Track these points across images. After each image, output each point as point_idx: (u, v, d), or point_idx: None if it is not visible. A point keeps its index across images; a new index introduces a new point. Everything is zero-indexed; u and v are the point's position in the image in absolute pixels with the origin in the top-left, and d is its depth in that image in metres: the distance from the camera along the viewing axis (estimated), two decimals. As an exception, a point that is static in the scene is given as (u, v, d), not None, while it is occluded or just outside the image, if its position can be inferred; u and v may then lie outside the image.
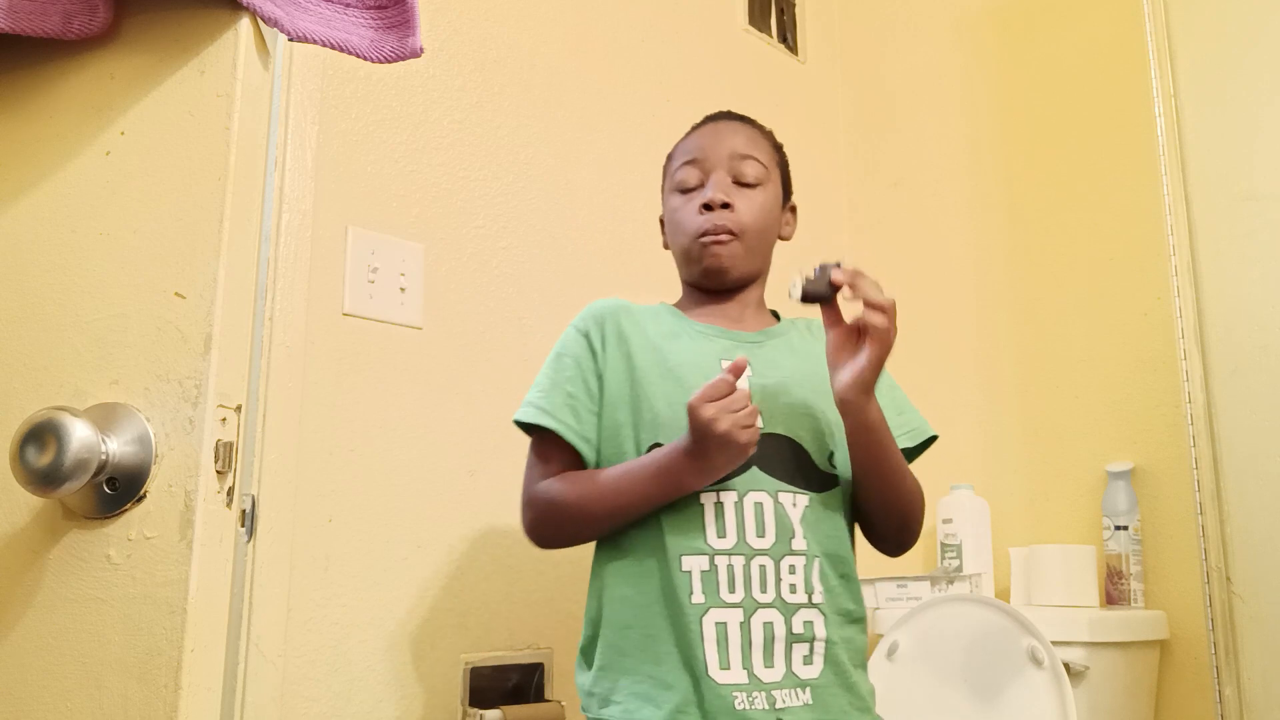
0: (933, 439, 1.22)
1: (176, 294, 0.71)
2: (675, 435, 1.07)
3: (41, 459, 0.65)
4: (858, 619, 1.13)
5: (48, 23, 0.75)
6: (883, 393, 1.12)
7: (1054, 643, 1.51)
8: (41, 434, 0.66)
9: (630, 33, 1.89)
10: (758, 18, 2.18)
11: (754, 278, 1.23)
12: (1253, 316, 1.69)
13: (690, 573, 1.06)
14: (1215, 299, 1.73)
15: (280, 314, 1.29)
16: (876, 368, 1.04)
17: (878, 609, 1.81)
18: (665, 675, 1.05)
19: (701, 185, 1.20)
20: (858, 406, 1.06)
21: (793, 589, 1.07)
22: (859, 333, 1.04)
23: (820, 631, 1.07)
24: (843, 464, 1.14)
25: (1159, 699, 1.70)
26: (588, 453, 1.14)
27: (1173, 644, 1.70)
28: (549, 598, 1.55)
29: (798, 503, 1.09)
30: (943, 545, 1.86)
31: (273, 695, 1.21)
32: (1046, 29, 2.03)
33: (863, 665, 1.13)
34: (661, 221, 1.27)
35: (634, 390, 1.14)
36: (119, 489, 0.69)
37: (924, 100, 2.21)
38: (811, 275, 1.04)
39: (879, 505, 1.15)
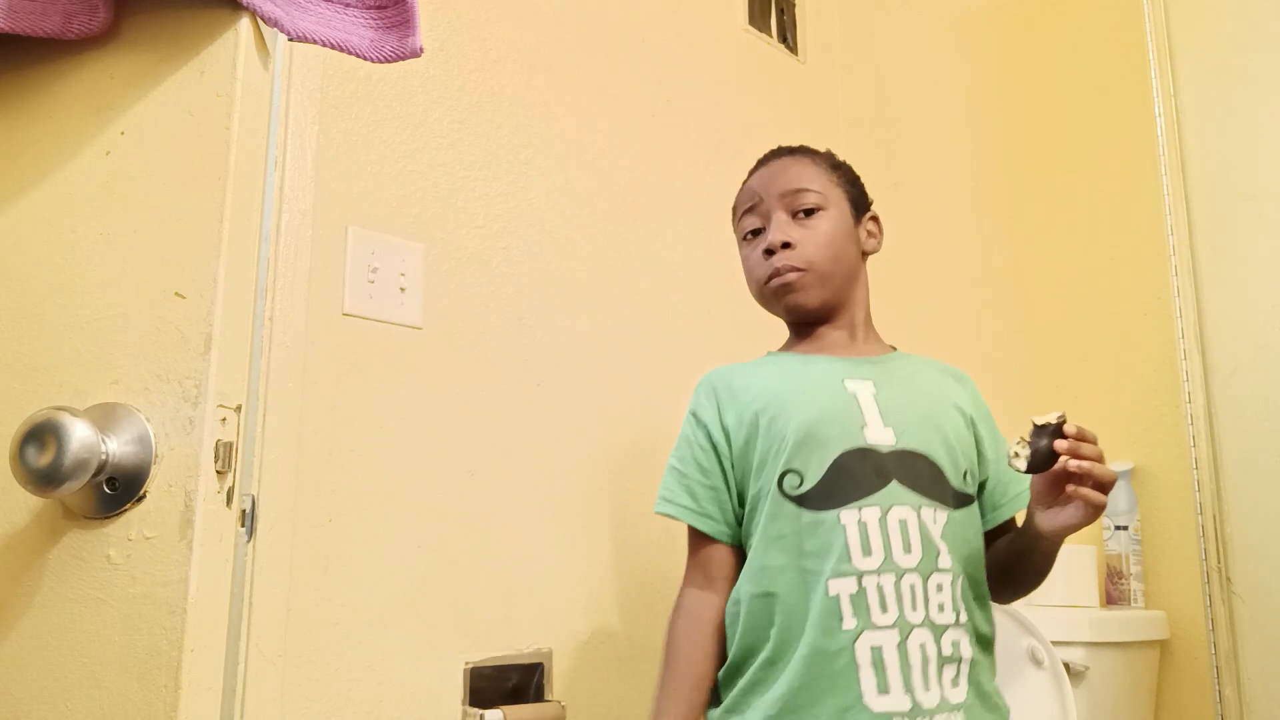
0: None
1: (176, 294, 0.71)
2: (817, 459, 1.07)
3: (41, 459, 0.65)
4: (990, 640, 1.13)
5: (48, 23, 0.75)
6: (997, 439, 1.17)
7: (1054, 643, 1.51)
8: (41, 434, 0.66)
9: (630, 33, 1.89)
10: (758, 18, 2.18)
11: (844, 301, 1.22)
12: (1253, 316, 1.69)
13: (838, 596, 1.02)
14: (1215, 299, 1.73)
15: (280, 314, 1.28)
16: (1080, 529, 1.01)
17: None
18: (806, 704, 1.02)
19: (763, 229, 1.21)
20: (1049, 542, 1.06)
21: (940, 608, 1.04)
22: (1068, 482, 1.00)
23: (966, 652, 1.06)
24: (975, 486, 1.14)
25: (1159, 699, 1.70)
26: (710, 527, 1.14)
27: (1173, 644, 1.70)
28: (549, 598, 1.55)
29: (938, 519, 1.07)
30: (943, 545, 1.86)
31: (273, 695, 1.21)
32: (1046, 29, 2.03)
33: (995, 680, 1.13)
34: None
35: (759, 429, 1.12)
36: (119, 489, 0.69)
37: (924, 100, 2.21)
38: (1031, 440, 0.99)
39: (1012, 580, 1.16)
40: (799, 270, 1.18)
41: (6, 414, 0.72)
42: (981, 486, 1.17)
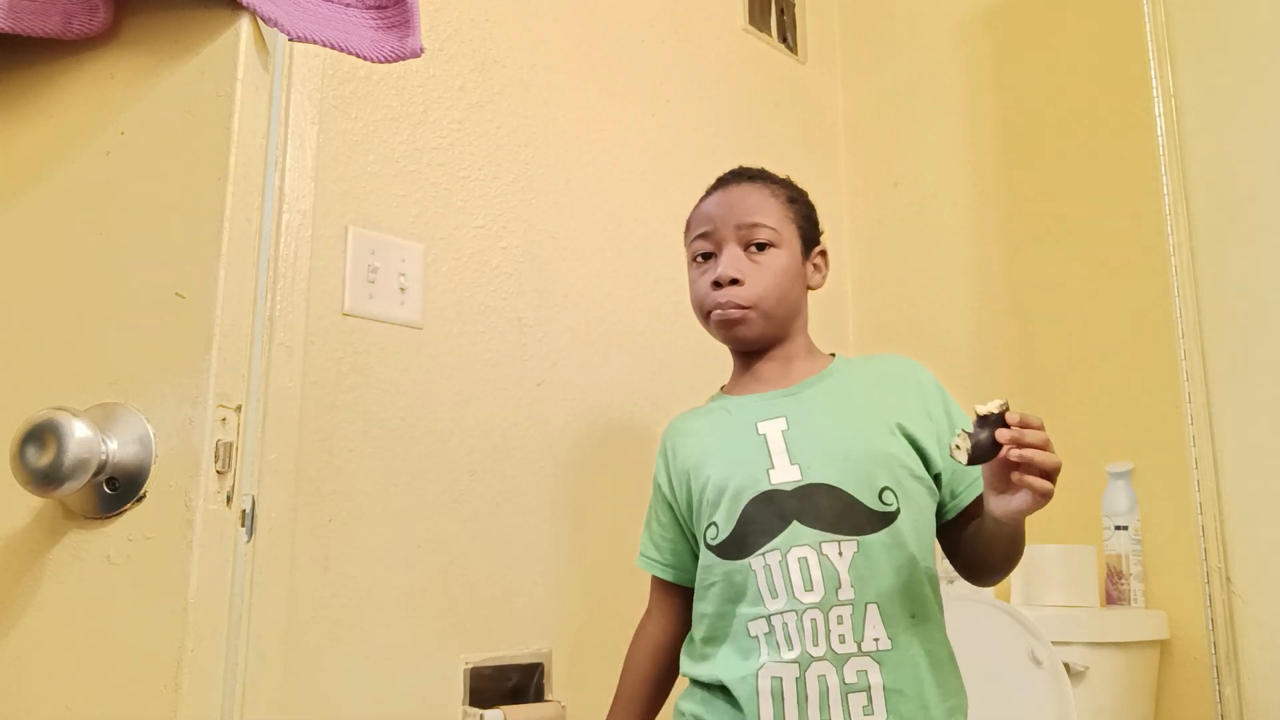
0: None
1: (176, 294, 0.71)
2: (727, 511, 1.13)
3: (41, 459, 0.65)
4: (938, 658, 1.11)
5: (48, 23, 0.75)
6: (954, 427, 1.17)
7: (1054, 643, 1.51)
8: (41, 434, 0.66)
9: (630, 33, 1.89)
10: (758, 18, 2.18)
11: (782, 336, 1.24)
12: (1253, 316, 1.69)
13: (757, 637, 1.09)
14: (1215, 299, 1.73)
15: (280, 314, 1.29)
16: (1028, 512, 1.02)
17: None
18: None
19: (714, 255, 1.22)
20: (1006, 525, 1.06)
21: (842, 639, 1.06)
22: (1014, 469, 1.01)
23: (876, 679, 1.06)
24: (909, 495, 1.13)
25: (1159, 699, 1.70)
26: (668, 575, 1.27)
27: (1173, 644, 1.70)
28: (549, 598, 1.55)
29: (844, 550, 1.08)
30: (943, 545, 1.86)
31: (273, 695, 1.21)
32: (1046, 29, 2.03)
33: (948, 702, 1.10)
34: None
35: (691, 489, 1.20)
36: (119, 489, 0.69)
37: (924, 100, 2.21)
38: (973, 432, 0.99)
39: (984, 565, 1.17)
40: (743, 308, 1.19)
41: (6, 414, 0.72)
42: (939, 479, 1.17)
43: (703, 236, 1.23)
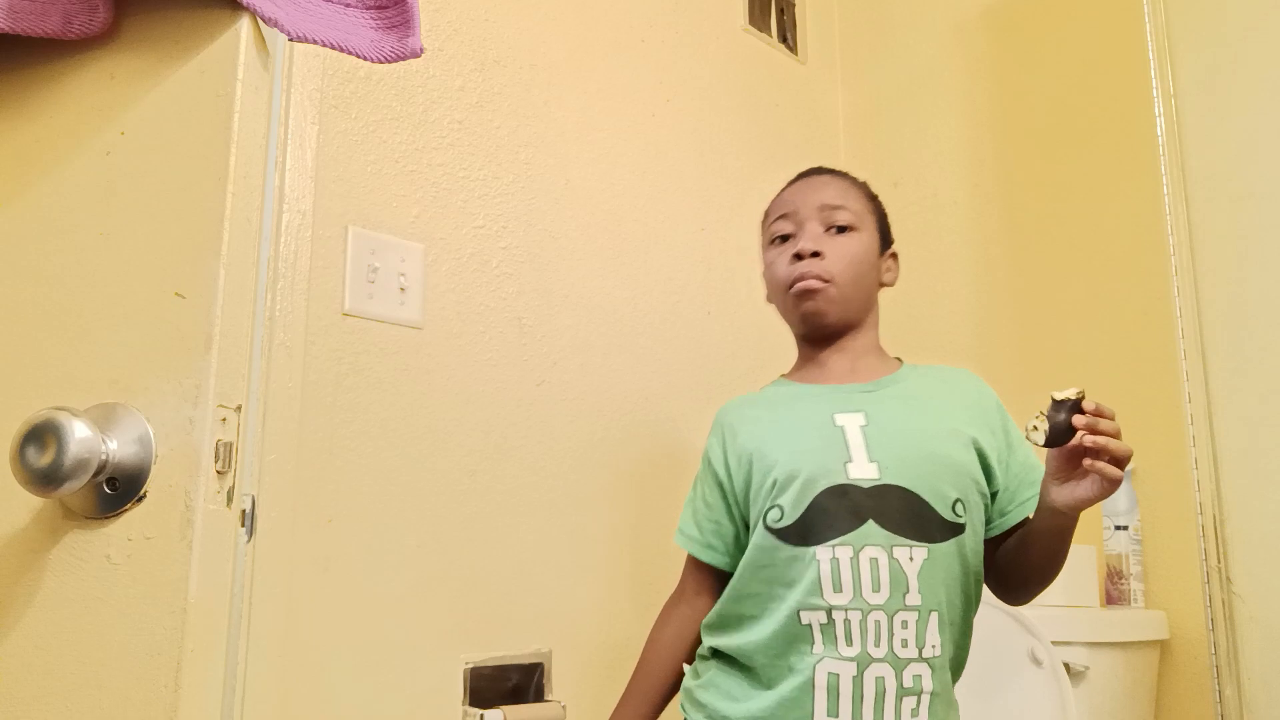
0: None
1: (176, 294, 0.71)
2: (795, 497, 1.12)
3: (41, 459, 0.65)
4: (959, 665, 1.15)
5: (48, 23, 0.75)
6: (1013, 442, 1.19)
7: (1054, 643, 1.51)
8: (41, 434, 0.66)
9: (630, 33, 1.89)
10: (758, 18, 2.18)
11: (855, 324, 1.25)
12: (1253, 316, 1.69)
13: (810, 625, 1.09)
14: (1215, 299, 1.73)
15: (280, 314, 1.29)
16: (1095, 501, 1.03)
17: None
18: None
19: (793, 235, 1.24)
20: (1063, 517, 1.07)
21: (904, 644, 1.07)
22: (1084, 457, 1.02)
23: (928, 685, 1.08)
24: (974, 509, 1.14)
25: (1159, 699, 1.70)
26: (710, 557, 1.24)
27: (1173, 644, 1.70)
28: (549, 598, 1.55)
29: (915, 556, 1.09)
30: (943, 545, 1.86)
31: (273, 695, 1.21)
32: (1046, 29, 2.03)
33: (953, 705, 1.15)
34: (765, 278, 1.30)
35: (753, 471, 1.18)
36: (119, 489, 0.69)
37: (924, 101, 2.21)
38: (1049, 415, 1.01)
39: (1025, 572, 1.17)
40: (823, 281, 1.20)
41: (6, 414, 0.72)
42: (994, 496, 1.17)
43: (784, 218, 1.25)
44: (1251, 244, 1.71)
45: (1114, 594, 1.72)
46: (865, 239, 1.24)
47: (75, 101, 0.76)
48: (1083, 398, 1.00)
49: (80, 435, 0.66)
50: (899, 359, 1.29)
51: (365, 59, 0.79)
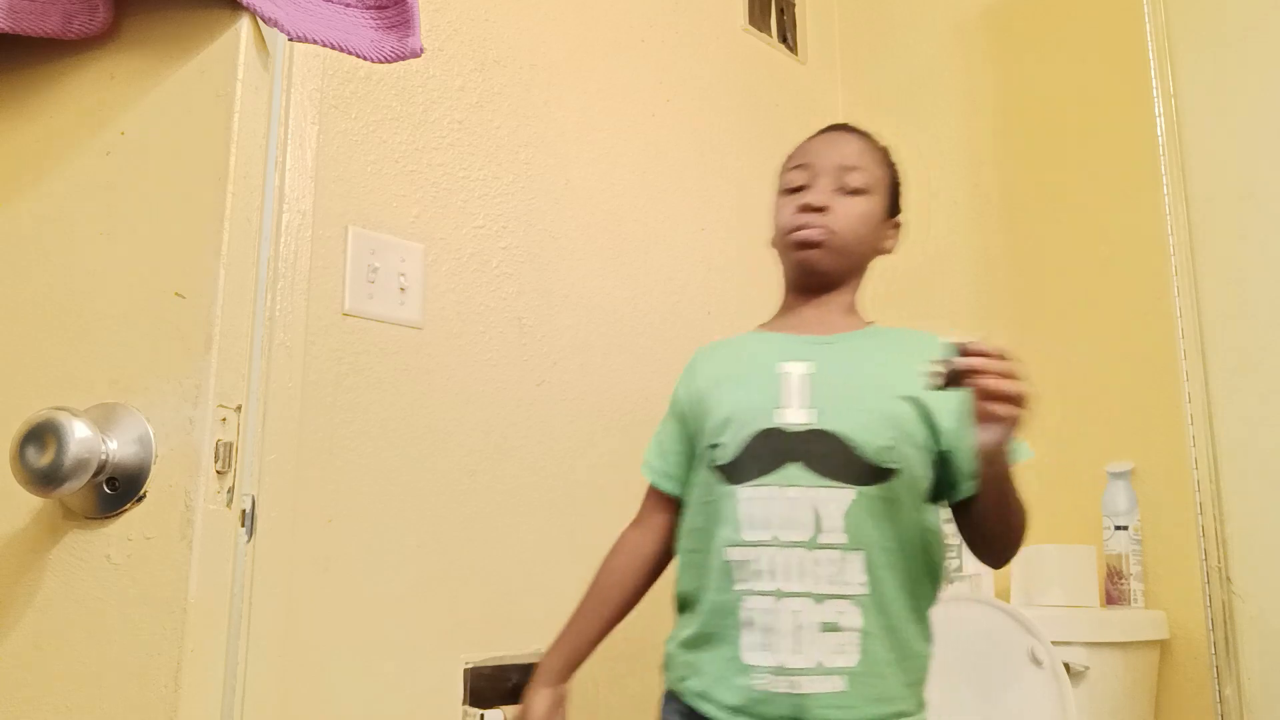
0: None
1: (176, 294, 0.71)
2: (732, 437, 1.16)
3: (41, 459, 0.65)
4: (916, 614, 1.15)
5: (48, 23, 0.75)
6: (943, 407, 1.17)
7: (1054, 643, 1.51)
8: (41, 434, 0.66)
9: (630, 33, 1.89)
10: (758, 18, 2.18)
11: (842, 282, 1.28)
12: (1253, 316, 1.69)
13: (732, 561, 1.13)
14: (1215, 299, 1.73)
15: (280, 314, 1.28)
16: (999, 443, 1.04)
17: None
18: (716, 652, 1.14)
19: (805, 187, 1.26)
20: (988, 465, 1.09)
21: (825, 580, 1.10)
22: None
23: (855, 621, 1.09)
24: (911, 460, 1.15)
25: (1159, 699, 1.70)
26: (668, 486, 1.28)
27: (1173, 644, 1.70)
28: (549, 598, 1.55)
29: (840, 497, 1.12)
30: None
31: (273, 695, 1.21)
32: (1046, 29, 2.03)
33: (913, 659, 1.15)
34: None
35: (702, 408, 1.23)
36: (119, 489, 0.69)
37: (924, 101, 2.21)
38: (944, 361, 1.02)
39: (986, 534, 1.19)
40: (826, 234, 1.23)
41: (6, 414, 0.72)
42: (948, 456, 1.19)
43: (800, 168, 1.27)
44: (1251, 244, 1.71)
45: (1114, 594, 1.72)
46: (873, 203, 1.26)
47: (75, 101, 0.76)
48: (976, 342, 1.02)
49: (80, 435, 0.66)
50: (872, 321, 1.31)
51: (365, 59, 0.79)
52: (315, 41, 0.77)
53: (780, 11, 2.25)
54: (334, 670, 1.29)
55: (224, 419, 0.70)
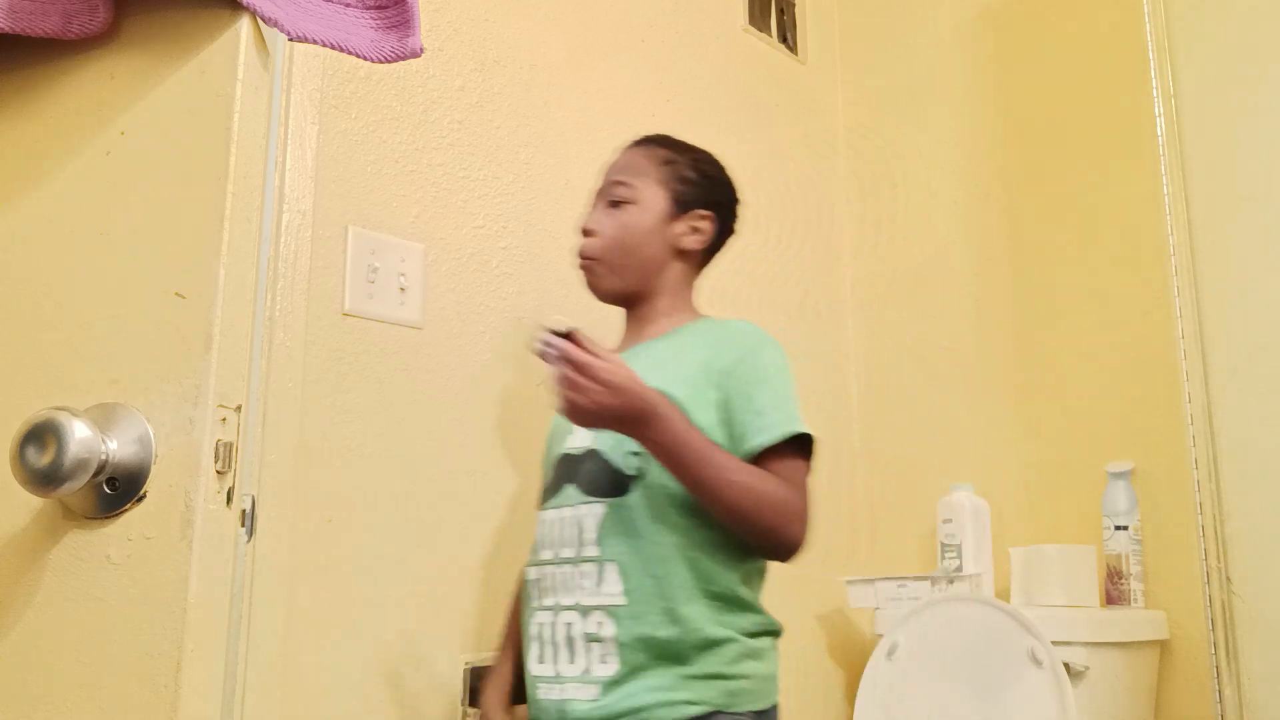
0: (803, 437, 1.17)
1: (176, 294, 0.71)
2: (547, 462, 1.28)
3: (41, 459, 0.65)
4: (679, 619, 1.11)
5: (48, 23, 0.75)
6: (743, 388, 1.17)
7: (1054, 643, 1.51)
8: (41, 434, 0.66)
9: (630, 33, 1.89)
10: (758, 18, 2.18)
11: (640, 292, 1.30)
12: (1253, 316, 1.69)
13: (531, 581, 1.23)
14: (1215, 299, 1.73)
15: (280, 314, 1.28)
16: (570, 419, 1.11)
17: (878, 609, 1.81)
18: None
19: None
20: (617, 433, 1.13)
21: (589, 593, 1.15)
22: None
23: (610, 631, 1.12)
24: (651, 462, 1.14)
25: (1159, 699, 1.70)
26: None
27: (1173, 644, 1.70)
28: (549, 598, 1.55)
29: (595, 512, 1.17)
30: (943, 545, 1.86)
31: (273, 696, 1.21)
32: (1046, 29, 2.03)
33: (699, 658, 1.11)
34: None
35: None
36: (119, 489, 0.69)
37: (924, 101, 2.21)
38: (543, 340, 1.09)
39: (717, 516, 1.13)
40: (590, 259, 1.29)
41: (6, 414, 0.72)
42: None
43: (597, 192, 1.34)
44: (1251, 244, 1.71)
45: (1114, 594, 1.72)
46: (639, 211, 1.28)
47: (75, 101, 0.76)
48: (568, 333, 1.08)
49: (80, 435, 0.66)
50: (695, 319, 1.30)
51: (365, 59, 0.79)
52: (315, 41, 0.77)
53: (780, 11, 2.25)
54: (334, 670, 1.29)
55: (224, 419, 0.70)
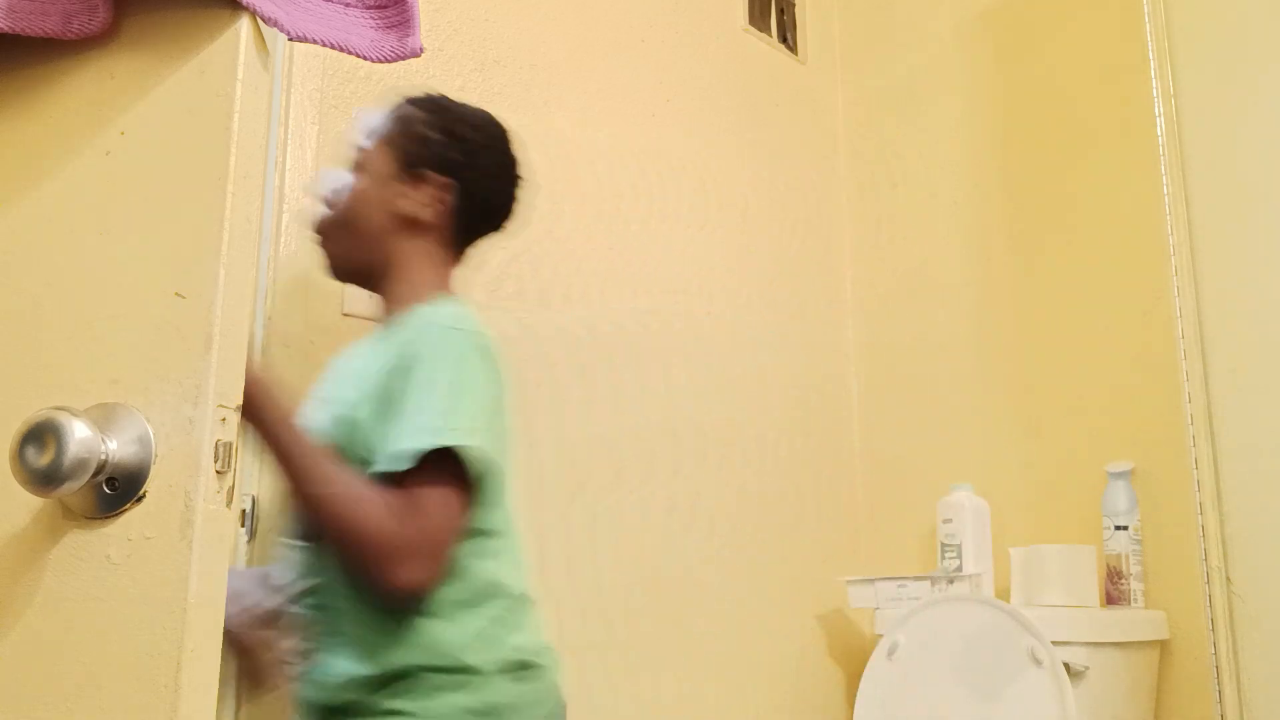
0: (442, 451, 0.98)
1: (176, 294, 0.71)
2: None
3: (41, 459, 0.65)
4: (374, 619, 1.01)
5: (48, 23, 0.75)
6: (400, 387, 0.99)
7: (1054, 643, 1.51)
8: (41, 434, 0.66)
9: (630, 33, 1.89)
10: (758, 18, 2.18)
11: (363, 272, 1.14)
12: (1253, 316, 1.69)
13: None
14: (1215, 299, 1.73)
15: (280, 314, 1.28)
16: None
17: (878, 609, 1.81)
18: None
19: None
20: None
21: (310, 627, 1.07)
22: None
23: (319, 615, 1.05)
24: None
25: (1159, 699, 1.70)
26: None
27: (1173, 644, 1.70)
28: (548, 598, 1.55)
29: (299, 551, 1.09)
30: (943, 545, 1.86)
31: (273, 695, 1.21)
32: (1046, 29, 2.03)
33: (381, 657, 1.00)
34: None
35: None
36: (119, 489, 0.69)
37: (924, 101, 2.21)
38: None
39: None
40: (317, 233, 1.15)
41: (6, 414, 0.72)
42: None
43: None
44: (1251, 244, 1.71)
45: (1114, 594, 1.72)
46: (365, 178, 1.11)
47: (75, 101, 0.76)
48: None
49: (80, 435, 0.66)
50: (438, 299, 1.11)
51: (365, 59, 0.79)
52: (315, 41, 0.77)
53: (780, 11, 2.25)
54: (334, 670, 1.29)
55: (224, 419, 0.70)
